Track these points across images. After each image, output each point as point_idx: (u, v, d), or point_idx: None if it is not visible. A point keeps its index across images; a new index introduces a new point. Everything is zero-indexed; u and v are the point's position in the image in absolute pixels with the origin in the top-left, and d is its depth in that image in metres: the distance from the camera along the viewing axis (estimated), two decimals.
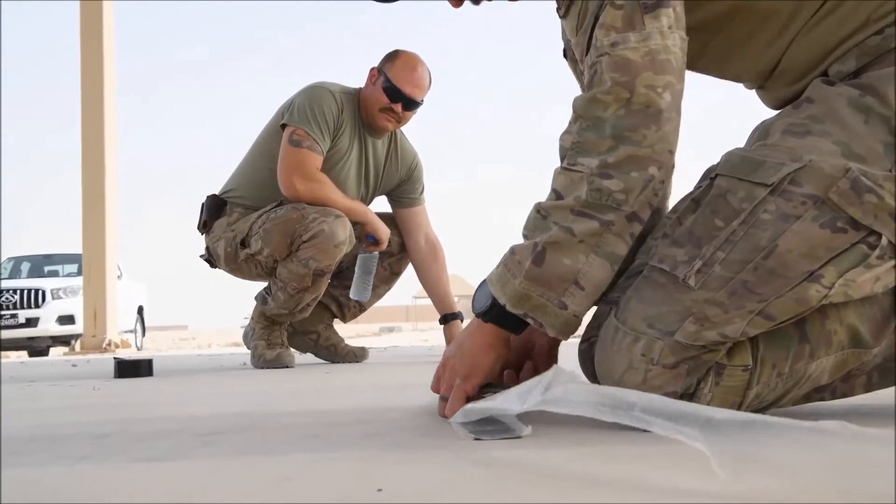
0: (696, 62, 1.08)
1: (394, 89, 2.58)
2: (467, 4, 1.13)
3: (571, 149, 0.98)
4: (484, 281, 1.03)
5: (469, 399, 1.00)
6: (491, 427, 0.91)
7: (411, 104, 2.62)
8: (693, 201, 0.96)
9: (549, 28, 1.24)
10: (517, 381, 1.13)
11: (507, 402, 0.87)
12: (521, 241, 1.00)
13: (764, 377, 0.92)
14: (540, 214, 0.98)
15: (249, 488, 0.67)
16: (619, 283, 1.03)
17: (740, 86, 1.15)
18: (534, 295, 0.95)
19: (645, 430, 0.71)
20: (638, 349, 0.92)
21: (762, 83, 1.09)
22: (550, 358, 1.15)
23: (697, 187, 1.01)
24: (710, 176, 0.97)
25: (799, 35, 1.01)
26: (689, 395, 0.92)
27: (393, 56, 2.66)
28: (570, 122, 1.00)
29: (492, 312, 1.00)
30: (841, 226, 0.87)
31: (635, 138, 0.93)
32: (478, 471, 0.72)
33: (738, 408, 0.93)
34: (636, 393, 0.74)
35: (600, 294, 0.99)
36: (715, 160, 1.00)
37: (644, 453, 0.78)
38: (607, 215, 0.94)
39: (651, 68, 0.93)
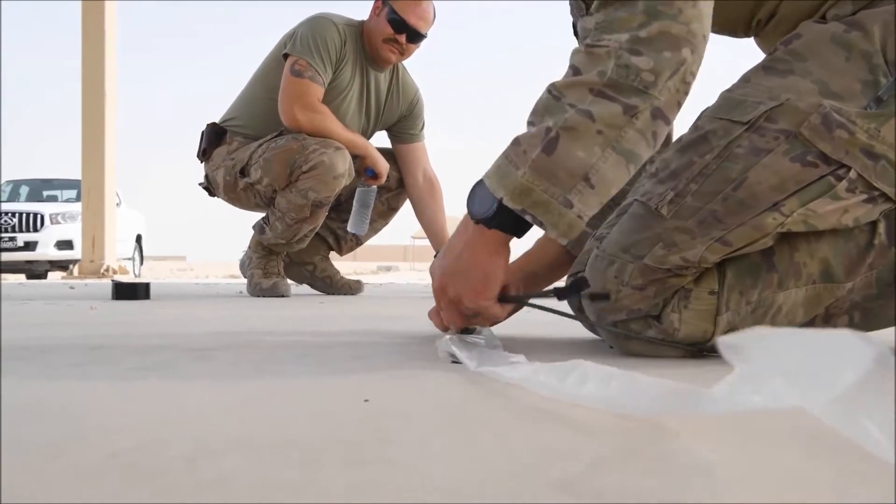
0: None
1: (398, 20, 2.55)
2: None
3: (596, 29, 0.89)
4: (480, 181, 0.93)
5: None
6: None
7: (416, 36, 2.59)
8: (679, 143, 0.98)
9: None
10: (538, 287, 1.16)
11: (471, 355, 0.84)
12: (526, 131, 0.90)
13: (732, 303, 0.93)
14: (552, 95, 0.89)
15: (238, 400, 0.69)
16: (609, 220, 1.04)
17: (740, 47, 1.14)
18: (537, 189, 0.86)
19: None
20: (612, 272, 0.95)
21: (758, 32, 1.08)
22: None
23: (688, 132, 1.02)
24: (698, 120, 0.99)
25: None
26: (655, 317, 0.95)
27: None
28: (592, 10, 0.92)
29: (498, 217, 0.90)
30: (811, 160, 0.88)
31: (670, 12, 0.86)
32: (468, 387, 0.73)
33: (711, 336, 0.94)
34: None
35: (610, 197, 0.90)
36: None
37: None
38: (632, 99, 0.86)
39: None
